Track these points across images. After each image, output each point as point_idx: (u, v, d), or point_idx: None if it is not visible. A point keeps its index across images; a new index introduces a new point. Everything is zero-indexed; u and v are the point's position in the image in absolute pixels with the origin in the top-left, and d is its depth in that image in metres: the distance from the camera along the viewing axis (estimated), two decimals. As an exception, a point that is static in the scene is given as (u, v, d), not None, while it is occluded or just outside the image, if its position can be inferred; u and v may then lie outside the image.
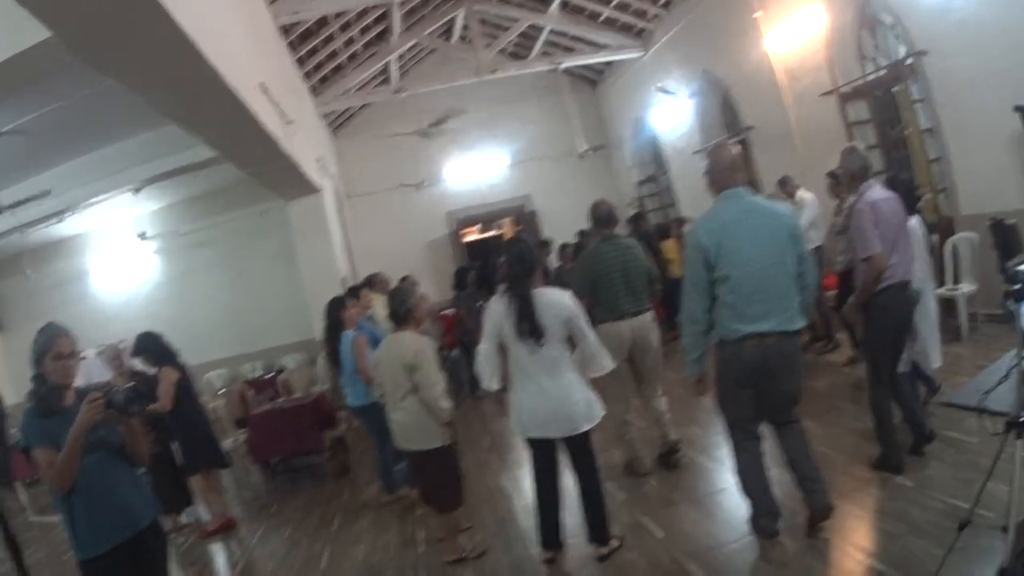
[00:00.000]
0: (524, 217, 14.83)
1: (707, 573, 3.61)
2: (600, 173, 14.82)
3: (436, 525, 4.77)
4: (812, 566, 3.42)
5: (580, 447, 3.95)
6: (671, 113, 12.28)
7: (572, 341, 3.94)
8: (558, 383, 3.82)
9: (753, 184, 9.52)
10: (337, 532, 5.56)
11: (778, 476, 3.84)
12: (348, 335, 5.75)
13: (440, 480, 4.42)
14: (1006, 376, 2.50)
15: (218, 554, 5.75)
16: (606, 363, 4.01)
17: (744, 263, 3.33)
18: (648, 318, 5.09)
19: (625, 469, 5.21)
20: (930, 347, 4.70)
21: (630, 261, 5.04)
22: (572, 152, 14.01)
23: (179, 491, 6.23)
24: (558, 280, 6.09)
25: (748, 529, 3.74)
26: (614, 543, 4.03)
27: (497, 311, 3.90)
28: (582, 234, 9.90)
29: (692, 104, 11.63)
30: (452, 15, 11.96)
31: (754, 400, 3.52)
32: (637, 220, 10.34)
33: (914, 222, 4.53)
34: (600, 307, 5.04)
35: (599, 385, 4.11)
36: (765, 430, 3.68)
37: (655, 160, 14.03)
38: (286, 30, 9.21)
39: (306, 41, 10.14)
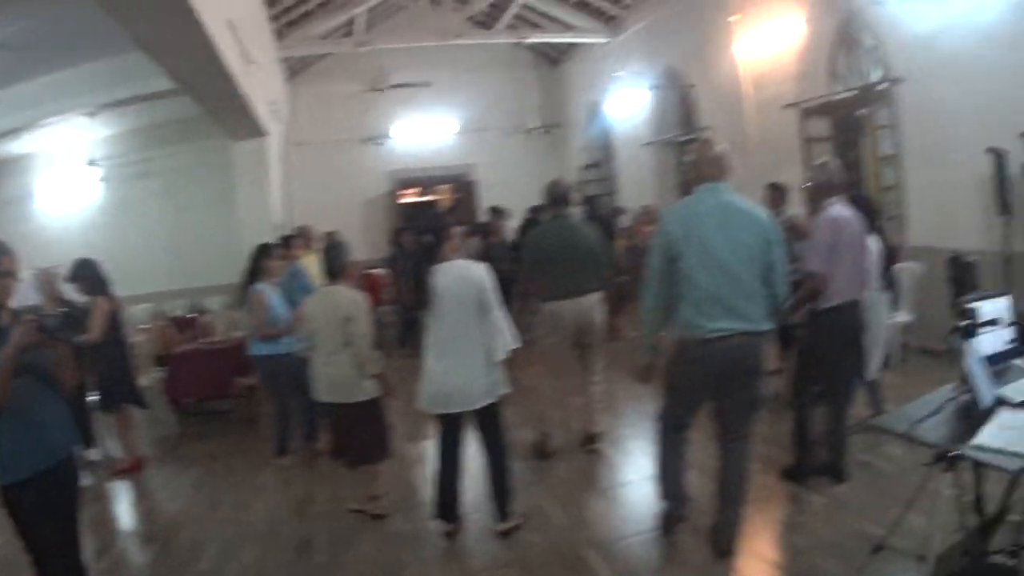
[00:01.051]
0: (463, 186, 14.79)
1: (606, 563, 3.64)
2: (547, 153, 14.91)
3: (353, 481, 4.66)
4: (713, 570, 3.44)
5: (487, 421, 3.98)
6: (627, 103, 12.33)
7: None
8: (466, 358, 3.84)
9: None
10: (241, 482, 5.48)
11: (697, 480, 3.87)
12: (255, 288, 5.53)
13: (370, 432, 4.42)
14: (938, 409, 2.53)
15: (123, 493, 5.60)
16: (510, 341, 3.98)
17: (714, 258, 3.23)
18: (593, 299, 5.02)
19: (534, 449, 5.17)
20: (870, 359, 4.72)
21: (580, 241, 5.00)
22: (522, 127, 14.04)
23: (86, 428, 6.01)
24: (484, 255, 5.98)
25: (652, 523, 3.81)
26: (514, 520, 4.05)
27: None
28: (533, 210, 9.95)
29: (650, 97, 11.68)
30: None
31: (714, 406, 3.46)
32: (591, 202, 10.42)
33: (871, 241, 4.60)
34: (546, 285, 5.00)
35: (537, 361, 4.10)
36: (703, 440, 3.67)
37: (604, 147, 14.12)
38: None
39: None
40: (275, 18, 10.59)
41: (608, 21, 12.53)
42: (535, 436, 5.18)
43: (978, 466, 2.50)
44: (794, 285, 6.24)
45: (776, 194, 6.49)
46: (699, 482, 3.94)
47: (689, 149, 3.74)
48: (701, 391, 3.44)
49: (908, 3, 6.81)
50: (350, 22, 11.94)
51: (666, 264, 3.31)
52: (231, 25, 6.28)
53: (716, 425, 3.52)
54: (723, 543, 3.48)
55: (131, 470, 5.87)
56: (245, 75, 7.16)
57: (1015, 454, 2.22)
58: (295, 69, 13.76)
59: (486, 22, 13.44)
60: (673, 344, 3.45)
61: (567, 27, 12.81)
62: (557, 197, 5.18)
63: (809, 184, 4.38)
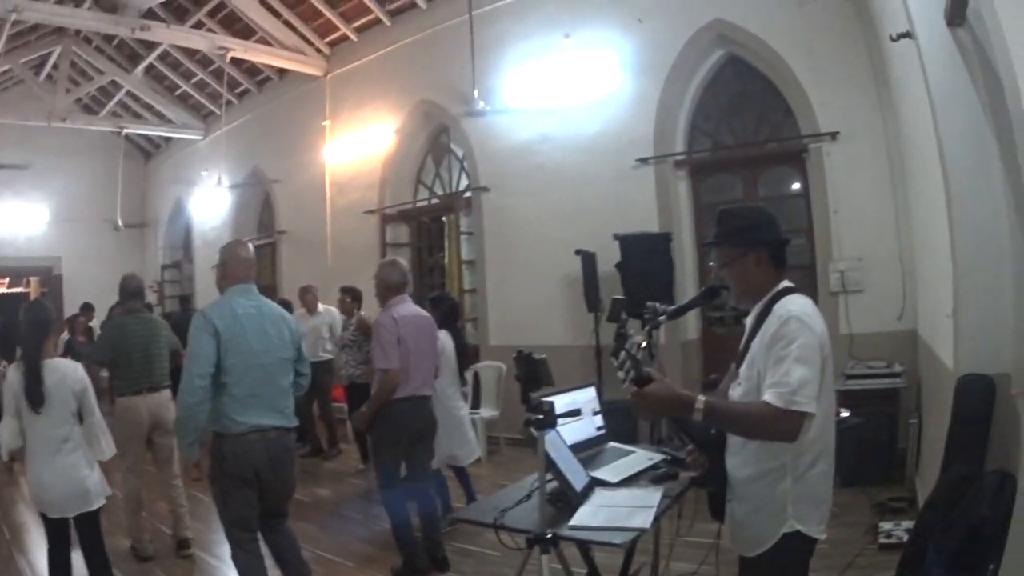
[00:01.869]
0: (52, 280, 13.83)
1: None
2: (134, 248, 14.22)
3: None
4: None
5: (86, 526, 3.75)
6: (211, 203, 11.86)
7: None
8: (65, 460, 3.62)
9: (275, 287, 9.68)
10: None
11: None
12: None
13: None
14: (528, 496, 2.62)
15: None
16: (107, 448, 3.83)
17: (251, 356, 3.36)
18: (166, 396, 4.93)
19: (131, 552, 4.81)
20: (457, 449, 5.01)
21: (153, 337, 4.94)
22: (112, 221, 12.97)
23: None
24: (70, 351, 5.43)
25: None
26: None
27: (14, 379, 3.62)
28: (112, 307, 9.07)
29: (232, 197, 11.38)
30: (50, 50, 11.13)
31: (256, 498, 3.46)
32: (186, 300, 9.91)
33: (444, 336, 4.88)
34: (120, 380, 4.89)
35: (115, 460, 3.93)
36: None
37: (184, 246, 13.75)
38: None
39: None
40: None
41: (206, 117, 12.20)
42: (132, 537, 4.87)
43: (583, 544, 2.66)
44: (350, 387, 6.50)
45: (348, 297, 6.68)
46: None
47: (221, 250, 3.78)
48: (247, 486, 3.42)
49: (498, 116, 7.55)
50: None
51: (209, 354, 3.30)
52: None
53: (258, 516, 3.53)
54: None
55: None
56: None
57: (620, 529, 2.31)
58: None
59: (92, 106, 12.64)
60: (214, 440, 3.42)
61: (165, 121, 12.39)
62: (132, 292, 5.08)
63: (377, 281, 4.53)
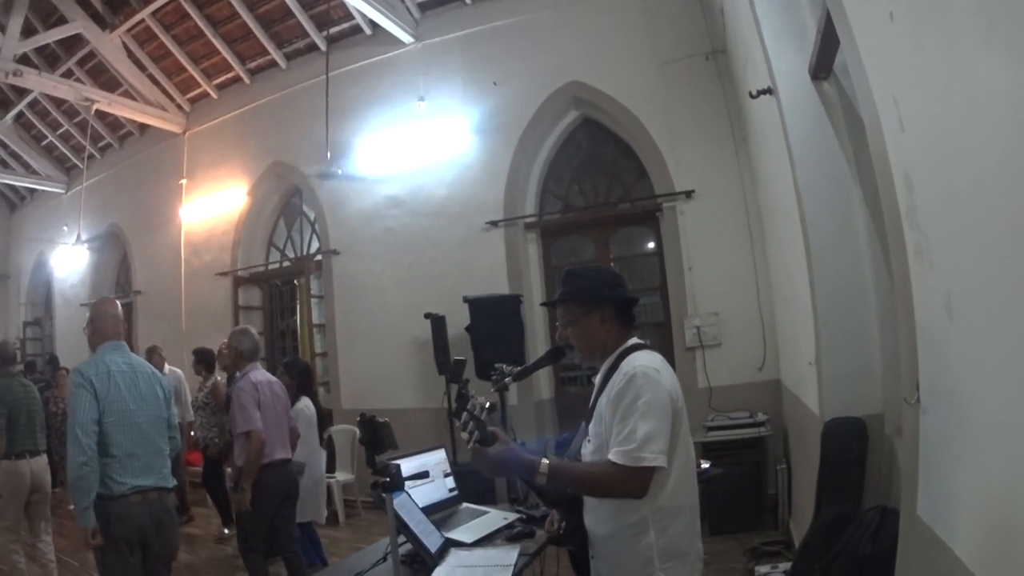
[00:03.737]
0: None
1: None
2: None
3: None
4: None
5: None
6: (70, 259, 11.35)
7: None
8: None
9: (132, 347, 9.36)
10: None
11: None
12: None
13: None
14: (384, 558, 2.65)
15: None
16: None
17: (129, 415, 3.38)
18: (45, 460, 5.12)
19: None
20: (313, 507, 5.06)
21: (35, 400, 5.13)
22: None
23: None
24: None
25: None
26: None
27: None
28: None
29: (91, 255, 10.95)
30: None
31: (139, 561, 3.41)
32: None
33: (305, 403, 5.02)
34: (8, 443, 4.93)
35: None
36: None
37: (45, 303, 12.99)
38: None
39: None
40: None
41: (69, 171, 11.71)
42: None
43: None
44: (205, 451, 6.34)
45: (200, 360, 6.58)
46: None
47: (90, 307, 3.73)
48: (131, 549, 3.37)
49: (350, 180, 7.53)
50: None
51: (93, 414, 3.29)
52: None
53: None
54: None
55: None
56: None
57: None
58: None
59: None
60: (99, 501, 3.31)
61: (31, 172, 11.80)
62: (8, 357, 5.22)
63: (229, 349, 4.67)
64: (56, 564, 5.06)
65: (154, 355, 7.16)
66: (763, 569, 4.24)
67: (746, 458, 5.35)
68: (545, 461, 2.00)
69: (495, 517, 3.04)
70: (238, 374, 4.55)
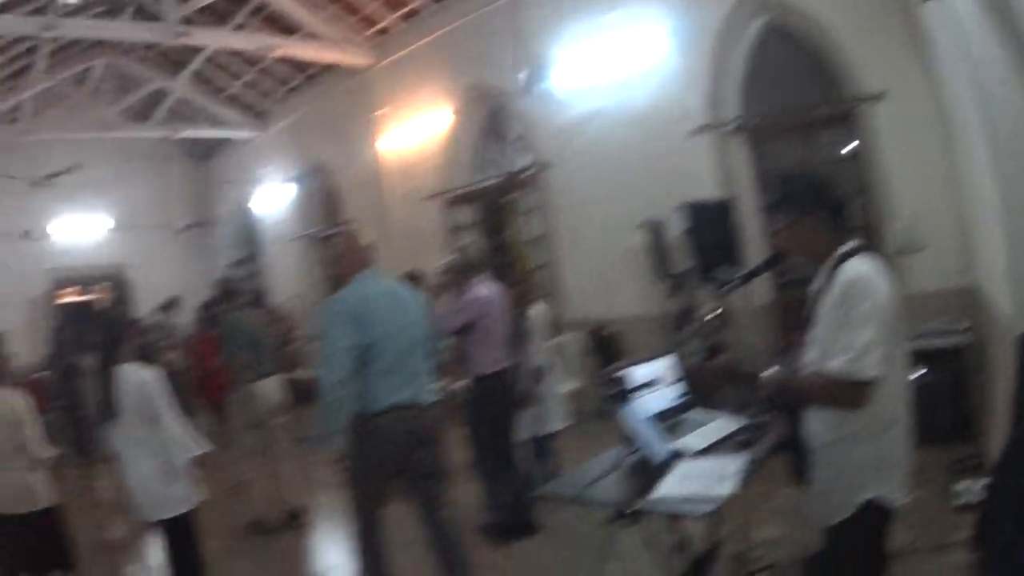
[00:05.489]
0: (119, 285, 13.76)
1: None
2: (198, 249, 14.21)
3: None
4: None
5: (172, 533, 3.82)
6: (274, 198, 12.18)
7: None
8: (142, 467, 3.72)
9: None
10: None
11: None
12: None
13: (60, 539, 4.04)
14: (611, 469, 2.59)
15: None
16: (194, 447, 3.84)
17: (390, 334, 3.38)
18: (277, 381, 5.61)
19: (248, 528, 5.27)
20: (548, 416, 5.00)
21: (262, 330, 5.67)
22: (174, 224, 13.44)
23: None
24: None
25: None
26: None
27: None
28: (206, 305, 9.09)
29: (295, 192, 11.62)
30: (92, 63, 11.36)
31: (405, 480, 3.48)
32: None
33: (538, 310, 5.09)
34: (245, 368, 5.37)
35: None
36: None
37: (251, 243, 13.84)
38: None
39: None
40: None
41: (257, 116, 12.35)
42: (250, 514, 5.32)
43: (669, 516, 2.61)
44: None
45: (412, 283, 6.85)
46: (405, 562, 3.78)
47: (332, 243, 3.95)
48: (388, 469, 3.44)
49: (554, 94, 7.61)
50: (16, 107, 10.96)
51: (349, 339, 3.30)
52: None
53: (413, 500, 3.53)
54: None
55: None
56: None
57: (704, 499, 2.27)
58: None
59: (143, 113, 12.70)
60: (355, 421, 3.35)
61: (217, 121, 12.50)
62: (231, 292, 5.89)
63: (452, 266, 4.87)
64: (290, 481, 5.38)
65: (412, 279, 7.56)
66: (963, 484, 4.11)
67: (945, 367, 5.07)
68: (765, 374, 2.02)
69: (722, 425, 2.96)
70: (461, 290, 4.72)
